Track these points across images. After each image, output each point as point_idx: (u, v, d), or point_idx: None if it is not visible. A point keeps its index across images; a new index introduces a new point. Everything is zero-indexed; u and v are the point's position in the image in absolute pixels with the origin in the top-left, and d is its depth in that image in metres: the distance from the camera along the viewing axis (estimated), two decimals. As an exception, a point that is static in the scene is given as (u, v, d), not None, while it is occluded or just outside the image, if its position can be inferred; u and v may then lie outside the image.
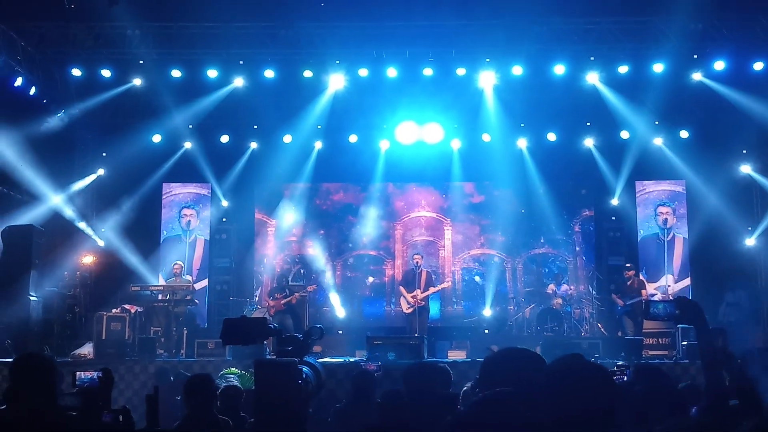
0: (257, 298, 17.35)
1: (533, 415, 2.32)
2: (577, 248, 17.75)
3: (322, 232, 17.92)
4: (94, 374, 4.24)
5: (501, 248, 17.75)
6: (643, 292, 14.73)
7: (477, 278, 17.74)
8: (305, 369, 3.62)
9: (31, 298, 13.06)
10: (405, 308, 14.58)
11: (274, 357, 3.87)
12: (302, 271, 17.55)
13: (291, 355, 3.63)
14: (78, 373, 4.30)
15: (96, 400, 3.74)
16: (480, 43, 14.92)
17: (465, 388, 6.67)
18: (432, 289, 14.70)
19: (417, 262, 14.78)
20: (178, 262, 15.96)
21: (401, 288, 14.81)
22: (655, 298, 15.23)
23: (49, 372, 4.39)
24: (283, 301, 15.02)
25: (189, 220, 17.37)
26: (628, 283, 14.85)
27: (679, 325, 13.25)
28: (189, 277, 16.06)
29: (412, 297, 14.33)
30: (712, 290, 15.65)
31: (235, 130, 17.15)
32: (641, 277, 15.59)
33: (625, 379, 5.07)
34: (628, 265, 15.36)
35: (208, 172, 17.15)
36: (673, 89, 15.30)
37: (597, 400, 2.66)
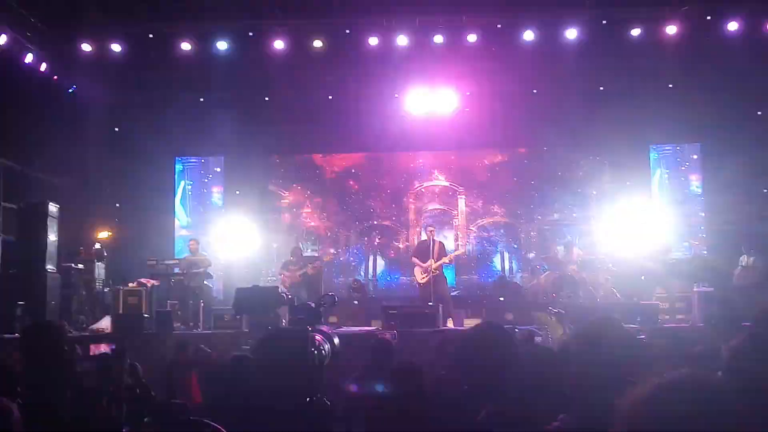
0: (273, 270, 17.38)
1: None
2: (592, 213, 17.63)
3: (335, 202, 17.90)
4: (108, 348, 4.27)
5: (515, 216, 17.67)
6: None
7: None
8: (318, 336, 3.63)
9: (49, 273, 13.15)
10: (420, 279, 14.52)
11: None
12: (316, 242, 17.56)
13: (304, 323, 3.64)
14: (92, 346, 4.33)
15: (111, 365, 3.78)
16: (491, 9, 14.80)
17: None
18: (444, 259, 14.59)
19: (430, 234, 14.71)
20: (194, 239, 15.90)
21: (414, 259, 14.73)
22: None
23: (59, 337, 4.43)
24: (298, 273, 15.00)
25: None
26: None
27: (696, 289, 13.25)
28: (205, 253, 16.08)
29: (426, 267, 14.29)
30: (728, 253, 15.56)
31: (247, 101, 17.10)
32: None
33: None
34: None
35: (221, 145, 17.13)
36: (687, 51, 15.11)
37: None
